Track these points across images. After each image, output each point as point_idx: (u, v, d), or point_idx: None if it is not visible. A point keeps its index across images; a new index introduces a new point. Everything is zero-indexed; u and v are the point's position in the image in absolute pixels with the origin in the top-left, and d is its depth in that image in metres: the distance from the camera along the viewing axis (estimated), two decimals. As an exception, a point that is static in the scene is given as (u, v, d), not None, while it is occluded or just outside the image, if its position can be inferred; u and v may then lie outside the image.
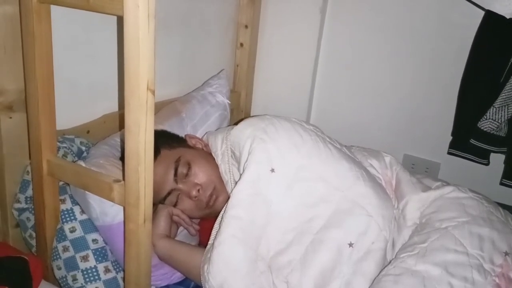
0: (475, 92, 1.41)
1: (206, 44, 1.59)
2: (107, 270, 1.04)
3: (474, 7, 1.39)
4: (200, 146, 1.21)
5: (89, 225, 1.05)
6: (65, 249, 1.03)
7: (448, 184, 1.13)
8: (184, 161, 1.11)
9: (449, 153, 1.50)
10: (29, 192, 1.05)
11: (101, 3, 0.78)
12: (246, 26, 1.66)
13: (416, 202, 1.08)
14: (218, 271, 0.97)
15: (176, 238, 1.13)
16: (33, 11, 0.86)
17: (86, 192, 0.99)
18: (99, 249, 1.05)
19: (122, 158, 0.97)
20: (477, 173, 1.50)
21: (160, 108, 1.34)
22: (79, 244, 1.03)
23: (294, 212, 1.04)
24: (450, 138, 1.50)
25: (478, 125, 1.36)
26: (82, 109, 1.21)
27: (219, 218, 1.04)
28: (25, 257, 0.94)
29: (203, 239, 1.16)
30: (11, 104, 1.00)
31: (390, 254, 1.02)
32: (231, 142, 1.14)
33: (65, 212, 1.04)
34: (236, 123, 1.18)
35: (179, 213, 1.11)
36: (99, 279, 1.03)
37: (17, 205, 1.07)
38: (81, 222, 1.05)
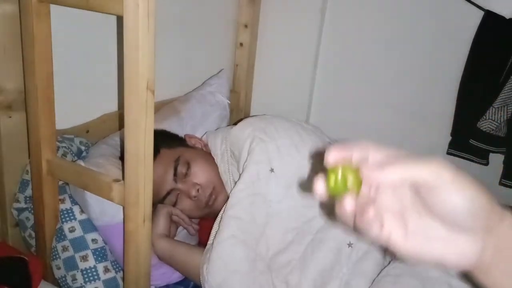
0: (474, 92, 1.41)
1: (206, 44, 1.59)
2: (106, 270, 1.04)
3: (474, 7, 1.39)
4: (200, 146, 1.21)
5: (89, 225, 1.05)
6: (65, 248, 1.03)
7: (447, 184, 1.13)
8: (183, 160, 1.11)
9: (448, 153, 1.50)
10: (29, 191, 1.05)
11: (100, 3, 0.78)
12: (246, 26, 1.66)
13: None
14: (218, 271, 0.97)
15: (176, 238, 1.13)
16: (32, 11, 0.86)
17: (86, 191, 0.99)
18: (99, 249, 1.05)
19: (121, 158, 0.97)
20: (476, 173, 1.48)
21: (159, 108, 1.34)
22: (79, 244, 1.03)
23: (293, 212, 1.04)
24: (450, 138, 1.50)
25: (477, 125, 1.36)
26: (81, 108, 1.21)
27: (218, 218, 1.04)
28: (25, 257, 0.94)
29: (203, 239, 1.16)
30: (10, 104, 1.00)
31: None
32: (230, 142, 1.14)
33: (65, 212, 1.04)
34: (235, 123, 1.18)
35: (179, 213, 1.11)
36: (99, 278, 1.03)
37: (16, 205, 1.07)
38: (81, 221, 1.05)
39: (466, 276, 0.46)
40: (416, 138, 1.62)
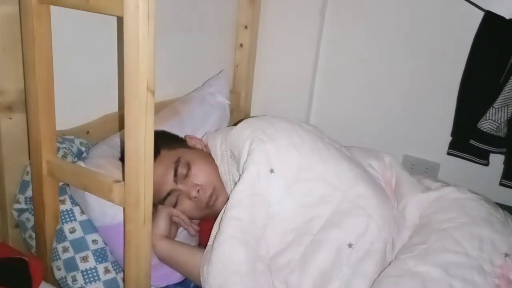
0: (474, 93, 1.41)
1: (206, 44, 1.59)
2: (107, 271, 1.04)
3: (474, 7, 1.39)
4: (200, 147, 1.21)
5: (89, 226, 1.05)
6: (65, 249, 1.03)
7: (448, 184, 1.13)
8: (183, 161, 1.11)
9: (448, 153, 1.50)
10: (29, 192, 1.05)
11: (100, 4, 0.78)
12: (246, 27, 1.66)
13: (416, 203, 1.08)
14: (218, 272, 0.97)
15: (176, 239, 1.13)
16: (33, 12, 0.86)
17: (86, 192, 0.99)
18: (99, 250, 1.05)
19: (122, 159, 0.97)
20: (477, 173, 1.49)
21: (160, 108, 1.34)
22: (79, 245, 1.03)
23: (293, 212, 1.04)
24: (450, 138, 1.49)
25: (477, 125, 1.36)
26: (82, 109, 1.21)
27: (218, 219, 1.04)
28: (25, 258, 0.94)
29: (203, 240, 1.16)
30: (10, 105, 1.00)
31: (390, 255, 1.02)
32: (230, 143, 1.14)
33: (65, 213, 1.04)
34: (235, 124, 1.18)
35: (179, 214, 1.11)
36: (99, 279, 1.03)
37: (16, 206, 1.07)
38: (81, 222, 1.05)
39: None
40: (416, 138, 1.62)
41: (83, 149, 1.17)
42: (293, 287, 0.98)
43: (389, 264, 0.99)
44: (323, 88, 1.73)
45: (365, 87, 1.66)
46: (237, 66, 1.72)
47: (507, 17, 1.35)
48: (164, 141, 1.15)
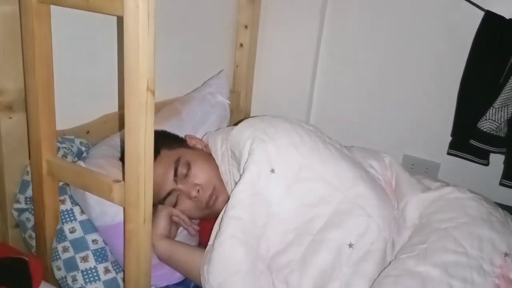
0: (474, 93, 1.41)
1: (206, 44, 1.59)
2: (107, 271, 1.04)
3: (474, 7, 1.39)
4: (200, 147, 1.21)
5: (89, 226, 1.05)
6: (65, 249, 1.03)
7: (448, 184, 1.13)
8: (184, 161, 1.11)
9: (448, 153, 1.50)
10: (29, 192, 1.05)
11: (101, 3, 0.78)
12: (246, 26, 1.66)
13: (416, 203, 1.08)
14: (218, 272, 0.97)
15: (176, 239, 1.13)
16: (33, 11, 0.86)
17: (86, 192, 0.99)
18: (99, 250, 1.05)
19: (122, 159, 0.97)
20: (477, 173, 1.49)
21: (160, 108, 1.34)
22: (79, 245, 1.03)
23: (294, 212, 1.04)
24: (450, 138, 1.49)
25: (477, 125, 1.36)
26: (82, 109, 1.21)
27: (219, 219, 1.04)
28: (25, 258, 0.94)
29: (203, 240, 1.16)
30: (10, 104, 1.00)
31: (390, 255, 1.02)
32: (231, 143, 1.14)
33: (65, 213, 1.04)
34: (236, 124, 1.18)
35: (179, 214, 1.11)
36: (99, 279, 1.03)
37: (16, 206, 1.07)
38: (81, 222, 1.05)
39: None
40: (416, 138, 1.62)
41: (83, 149, 1.17)
42: (293, 287, 0.98)
43: (389, 264, 0.99)
44: (323, 88, 1.73)
45: (365, 87, 1.66)
46: (237, 66, 1.72)
47: (507, 17, 1.35)
48: (164, 141, 1.15)
